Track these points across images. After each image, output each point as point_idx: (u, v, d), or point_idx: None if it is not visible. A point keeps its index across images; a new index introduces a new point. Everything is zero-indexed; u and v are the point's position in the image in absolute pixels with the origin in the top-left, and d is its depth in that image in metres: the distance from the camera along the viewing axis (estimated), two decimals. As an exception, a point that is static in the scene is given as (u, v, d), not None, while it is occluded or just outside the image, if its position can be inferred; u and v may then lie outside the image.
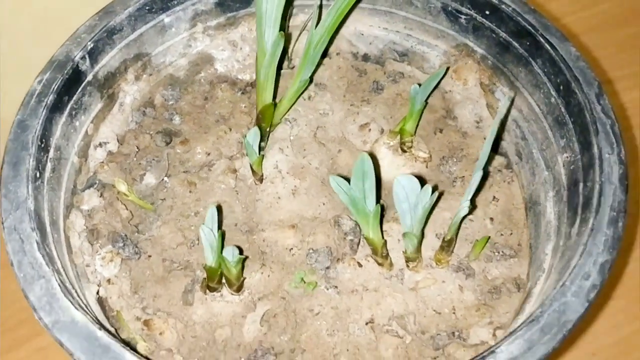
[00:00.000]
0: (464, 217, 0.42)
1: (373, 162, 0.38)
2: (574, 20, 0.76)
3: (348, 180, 0.39)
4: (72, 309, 0.35)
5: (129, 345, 0.36)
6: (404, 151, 0.49)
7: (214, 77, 0.53)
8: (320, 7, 0.47)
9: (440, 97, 0.52)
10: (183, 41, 0.51)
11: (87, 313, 0.35)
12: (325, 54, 0.52)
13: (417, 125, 0.49)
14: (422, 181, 0.41)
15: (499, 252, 0.45)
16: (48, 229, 0.40)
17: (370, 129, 0.50)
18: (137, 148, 0.48)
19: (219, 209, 0.45)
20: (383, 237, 0.43)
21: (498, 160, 0.50)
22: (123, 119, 0.49)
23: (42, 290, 0.35)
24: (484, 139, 0.51)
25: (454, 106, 0.52)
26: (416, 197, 0.38)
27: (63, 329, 0.34)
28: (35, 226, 0.38)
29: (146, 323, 0.42)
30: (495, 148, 0.51)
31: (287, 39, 0.52)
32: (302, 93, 0.49)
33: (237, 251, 0.39)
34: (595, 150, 0.40)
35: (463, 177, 0.49)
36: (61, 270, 0.38)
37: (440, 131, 0.51)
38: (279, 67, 0.48)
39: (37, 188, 0.40)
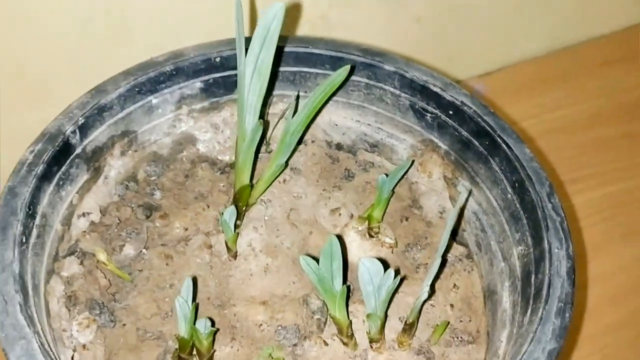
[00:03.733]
0: (425, 302, 0.45)
1: (341, 245, 0.41)
2: (537, 122, 0.82)
3: (318, 260, 0.42)
4: (49, 371, 0.37)
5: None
6: (371, 236, 0.52)
7: (196, 156, 0.56)
8: (298, 98, 0.51)
9: (407, 187, 0.56)
10: (168, 121, 0.54)
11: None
12: (300, 141, 0.56)
13: (384, 213, 0.52)
14: (387, 266, 0.44)
15: (458, 338, 0.48)
16: (30, 292, 0.41)
17: (340, 214, 0.53)
18: (119, 220, 0.51)
19: (194, 281, 0.47)
20: (349, 318, 0.45)
21: (459, 249, 0.53)
22: (107, 191, 0.51)
23: (22, 350, 0.37)
24: (446, 228, 0.54)
25: (420, 196, 0.56)
26: (380, 279, 0.41)
27: (39, 390, 0.36)
28: (19, 289, 0.39)
29: (116, 390, 0.43)
30: (457, 238, 0.54)
31: (266, 125, 0.55)
32: (277, 177, 0.52)
33: (209, 323, 0.41)
34: (546, 245, 0.44)
35: (426, 264, 0.52)
36: (40, 332, 0.40)
37: (406, 219, 0.54)
38: (257, 151, 0.52)
39: (22, 252, 0.42)
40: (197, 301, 0.47)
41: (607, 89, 0.87)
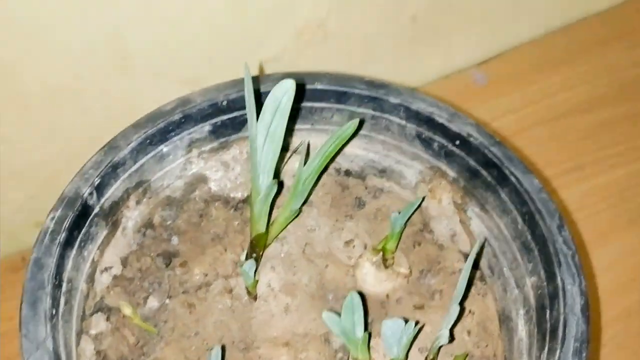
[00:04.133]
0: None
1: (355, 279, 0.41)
2: (540, 108, 0.82)
3: (338, 313, 0.43)
4: None
5: None
6: (386, 267, 0.53)
7: (208, 195, 0.57)
8: (309, 146, 0.52)
9: (418, 211, 0.57)
10: (180, 166, 0.55)
11: None
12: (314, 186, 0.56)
13: (398, 244, 0.53)
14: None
15: (476, 366, 0.50)
16: (64, 364, 0.43)
17: (354, 245, 0.55)
18: (140, 271, 0.52)
19: (223, 348, 0.49)
20: (370, 357, 0.47)
21: (472, 273, 0.54)
22: (125, 242, 0.53)
23: None
24: (459, 251, 0.55)
25: (430, 220, 0.57)
26: (401, 332, 0.42)
27: None
28: (55, 366, 0.41)
29: None
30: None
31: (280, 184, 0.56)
32: (292, 220, 0.53)
33: (239, 382, 0.43)
34: (559, 281, 0.45)
35: (441, 290, 0.53)
36: (79, 408, 0.41)
37: (419, 244, 0.56)
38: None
39: (54, 326, 0.43)
40: (221, 346, 0.49)
41: (607, 67, 0.87)
